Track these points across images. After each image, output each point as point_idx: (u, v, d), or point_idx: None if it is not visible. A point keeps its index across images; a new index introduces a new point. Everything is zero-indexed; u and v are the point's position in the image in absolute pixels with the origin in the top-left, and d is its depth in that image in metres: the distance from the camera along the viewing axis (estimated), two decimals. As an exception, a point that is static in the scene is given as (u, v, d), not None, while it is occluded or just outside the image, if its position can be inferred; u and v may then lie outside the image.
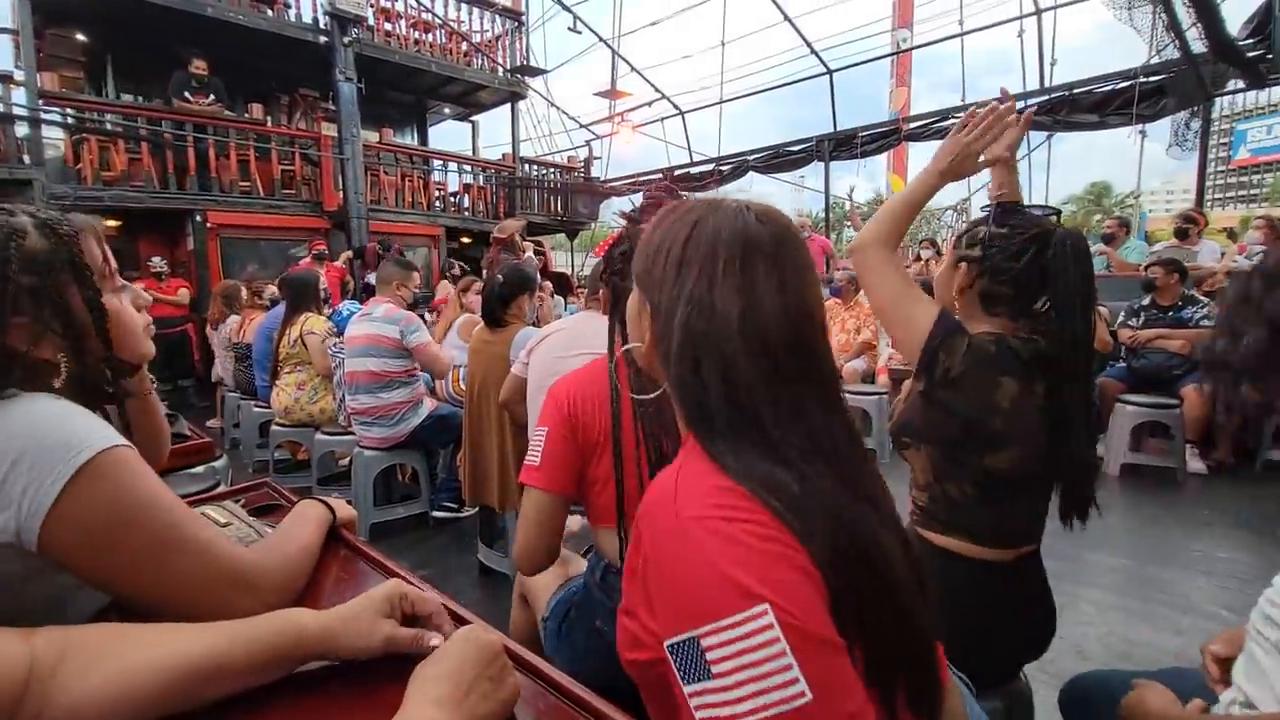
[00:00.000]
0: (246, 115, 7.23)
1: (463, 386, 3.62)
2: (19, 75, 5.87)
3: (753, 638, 0.48)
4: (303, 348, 3.47)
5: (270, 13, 7.27)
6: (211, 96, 6.84)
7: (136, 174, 6.37)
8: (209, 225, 6.66)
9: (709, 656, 0.49)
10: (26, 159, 5.78)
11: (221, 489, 1.55)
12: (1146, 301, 3.95)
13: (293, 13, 7.55)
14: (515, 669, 0.65)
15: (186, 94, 6.71)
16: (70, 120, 6.17)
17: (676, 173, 9.58)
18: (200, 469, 1.87)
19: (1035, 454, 1.10)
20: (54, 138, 6.23)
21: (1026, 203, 1.23)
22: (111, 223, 6.82)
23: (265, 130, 7.31)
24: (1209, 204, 6.74)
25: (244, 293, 4.69)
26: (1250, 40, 4.85)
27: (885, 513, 0.62)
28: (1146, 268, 4.03)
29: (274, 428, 3.65)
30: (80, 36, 7.29)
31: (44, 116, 5.91)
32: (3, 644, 0.51)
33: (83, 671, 0.52)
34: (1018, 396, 1.07)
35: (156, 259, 6.18)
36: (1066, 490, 1.15)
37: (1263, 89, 5.92)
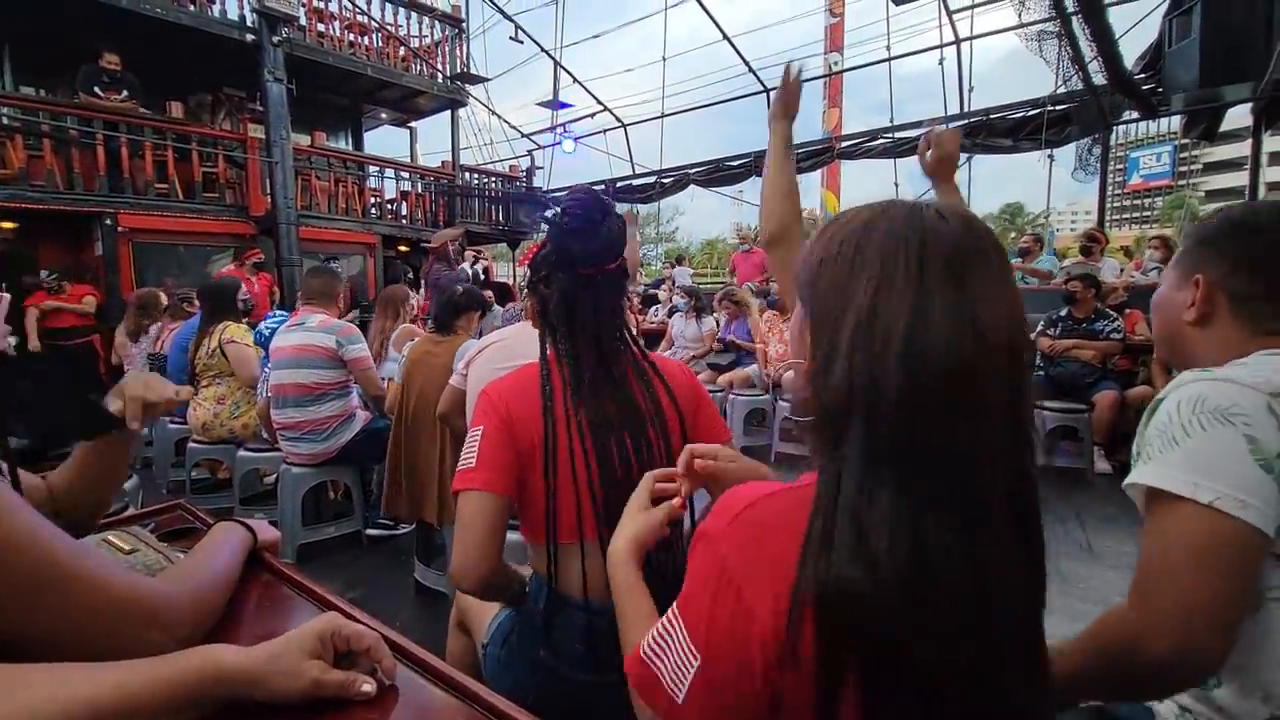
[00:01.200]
0: (164, 113, 6.81)
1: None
2: (-102, 62, 5.34)
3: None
4: (222, 358, 3.27)
5: (193, 7, 6.90)
6: (125, 93, 6.39)
7: (37, 173, 5.88)
8: (120, 229, 6.21)
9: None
10: (-95, 153, 5.26)
11: (130, 512, 1.44)
12: (1064, 313, 4.23)
13: (217, 8, 7.18)
14: (455, 696, 0.63)
15: (96, 89, 6.26)
16: (-41, 113, 5.66)
17: (619, 184, 9.63)
18: (106, 491, 1.73)
19: None
20: (-61, 131, 5.70)
21: None
22: (6, 224, 6.26)
23: (185, 130, 6.90)
24: (1108, 224, 7.33)
25: (164, 300, 4.40)
26: (1143, 75, 5.31)
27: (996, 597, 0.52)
28: (1067, 282, 4.32)
29: (191, 445, 3.42)
30: (-28, 23, 6.72)
31: (-73, 108, 5.40)
32: None
33: None
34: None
35: (44, 273, 5.71)
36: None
37: (1154, 119, 6.48)
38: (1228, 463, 0.71)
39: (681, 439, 1.07)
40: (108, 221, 6.14)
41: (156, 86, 6.97)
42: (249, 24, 6.97)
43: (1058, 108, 6.13)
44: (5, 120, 5.92)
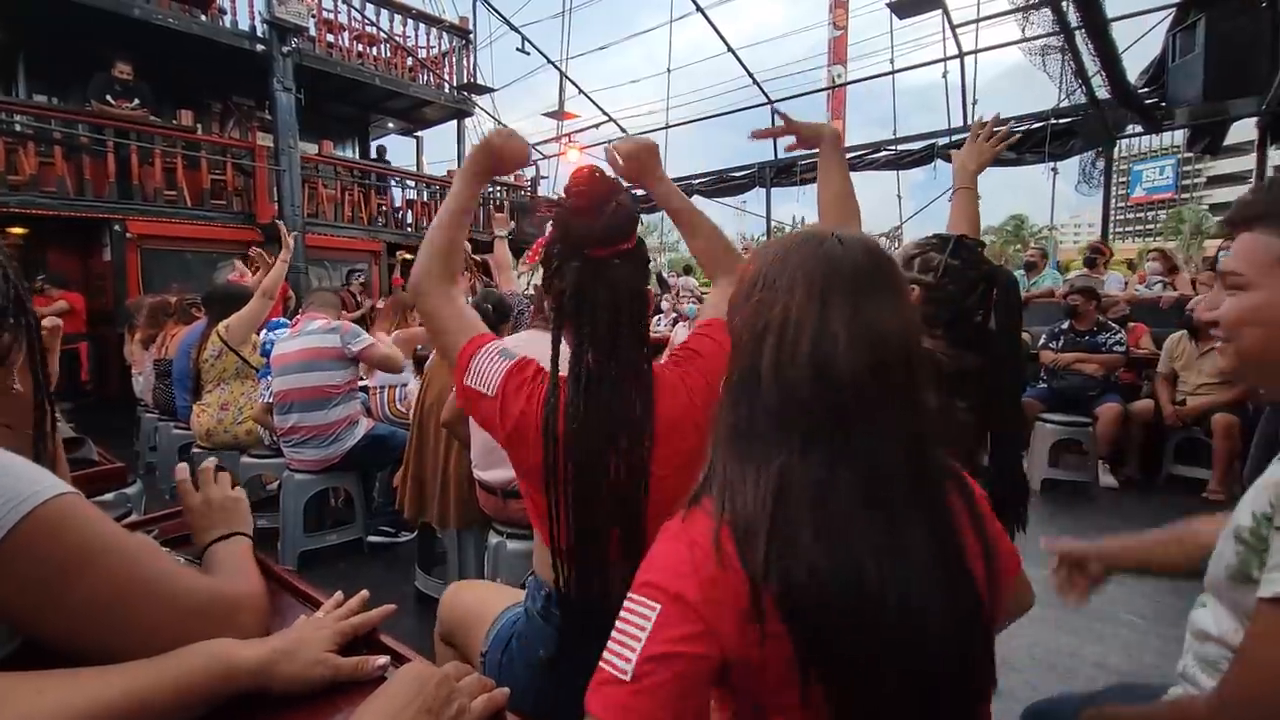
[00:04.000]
0: (174, 122, 6.88)
1: (399, 406, 3.52)
2: (-86, 70, 5.42)
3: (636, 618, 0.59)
4: (227, 354, 3.28)
5: (204, 17, 6.98)
6: (136, 101, 6.47)
7: (48, 179, 5.93)
8: (129, 235, 6.26)
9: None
10: (-81, 159, 5.32)
11: (134, 518, 1.44)
12: (1065, 326, 4.22)
13: (228, 19, 7.27)
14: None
15: (108, 97, 6.33)
16: (-28, 120, 5.72)
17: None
18: (110, 496, 1.74)
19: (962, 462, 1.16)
20: (-48, 138, 5.76)
21: (945, 233, 1.31)
22: (17, 230, 6.32)
23: (194, 138, 6.96)
24: (1111, 237, 7.33)
25: (172, 306, 4.40)
26: (1147, 89, 5.33)
27: (919, 560, 0.60)
28: (1066, 295, 4.32)
29: (194, 451, 3.42)
30: (-12, 32, 6.81)
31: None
32: None
33: None
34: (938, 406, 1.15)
35: (39, 277, 5.75)
36: (1001, 508, 1.20)
37: (1157, 133, 6.51)
38: None
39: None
40: (117, 228, 6.19)
41: (167, 95, 7.05)
42: (259, 34, 7.05)
43: (1061, 121, 6.15)
44: (18, 127, 5.99)
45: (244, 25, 7.24)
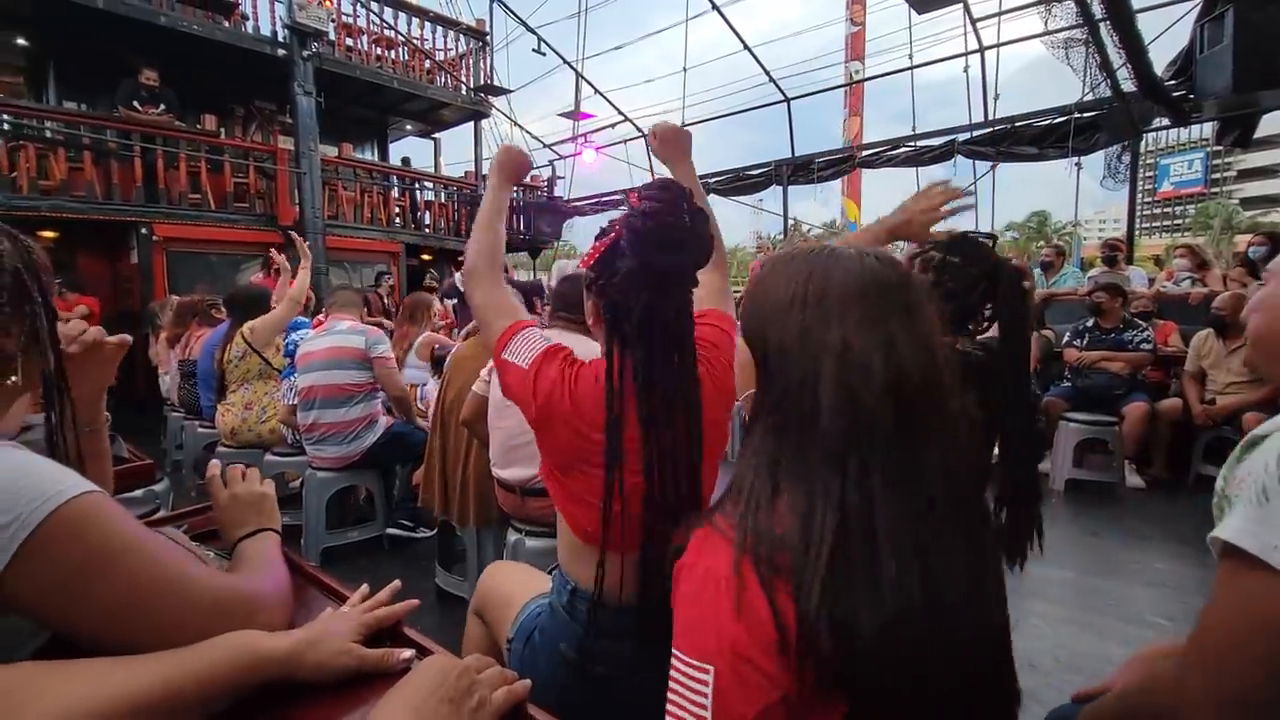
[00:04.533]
0: (199, 126, 7.01)
1: (419, 405, 3.56)
2: (-50, 79, 5.59)
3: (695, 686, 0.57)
4: (251, 355, 3.34)
5: (227, 24, 7.11)
6: (162, 106, 6.60)
7: (77, 184, 6.08)
8: (155, 238, 6.40)
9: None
10: (-45, 165, 5.48)
11: (162, 514, 1.47)
12: (1090, 324, 4.15)
13: (250, 25, 7.40)
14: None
15: (135, 103, 6.47)
16: (6, 127, 5.88)
17: (640, 194, 9.66)
18: (139, 493, 1.78)
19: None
20: (-13, 144, 5.92)
21: (973, 229, 1.30)
22: (48, 234, 6.49)
23: (218, 142, 7.10)
24: (1138, 233, 7.17)
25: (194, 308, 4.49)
26: (1174, 81, 5.21)
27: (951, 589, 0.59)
28: (1092, 292, 4.24)
29: (219, 449, 3.49)
30: (21, 41, 6.99)
31: (-24, 122, 5.62)
32: None
33: (5, 715, 0.49)
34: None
35: (56, 281, 5.90)
36: (1010, 509, 1.17)
37: (1185, 126, 6.35)
38: None
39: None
40: (143, 231, 6.33)
41: (192, 100, 7.19)
42: (281, 39, 7.16)
43: (1085, 115, 6.03)
44: (49, 134, 6.15)
45: (265, 31, 7.35)
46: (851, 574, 0.55)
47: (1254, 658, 0.63)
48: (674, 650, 0.60)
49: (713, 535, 0.62)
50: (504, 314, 1.16)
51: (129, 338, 0.87)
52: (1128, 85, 5.27)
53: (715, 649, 0.56)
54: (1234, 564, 0.65)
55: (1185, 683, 0.69)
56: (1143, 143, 6.71)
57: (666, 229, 0.93)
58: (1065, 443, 3.93)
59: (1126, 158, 6.53)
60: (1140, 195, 7.32)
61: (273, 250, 4.36)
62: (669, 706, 0.58)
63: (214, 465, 0.91)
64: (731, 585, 0.57)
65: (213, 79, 7.59)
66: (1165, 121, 5.99)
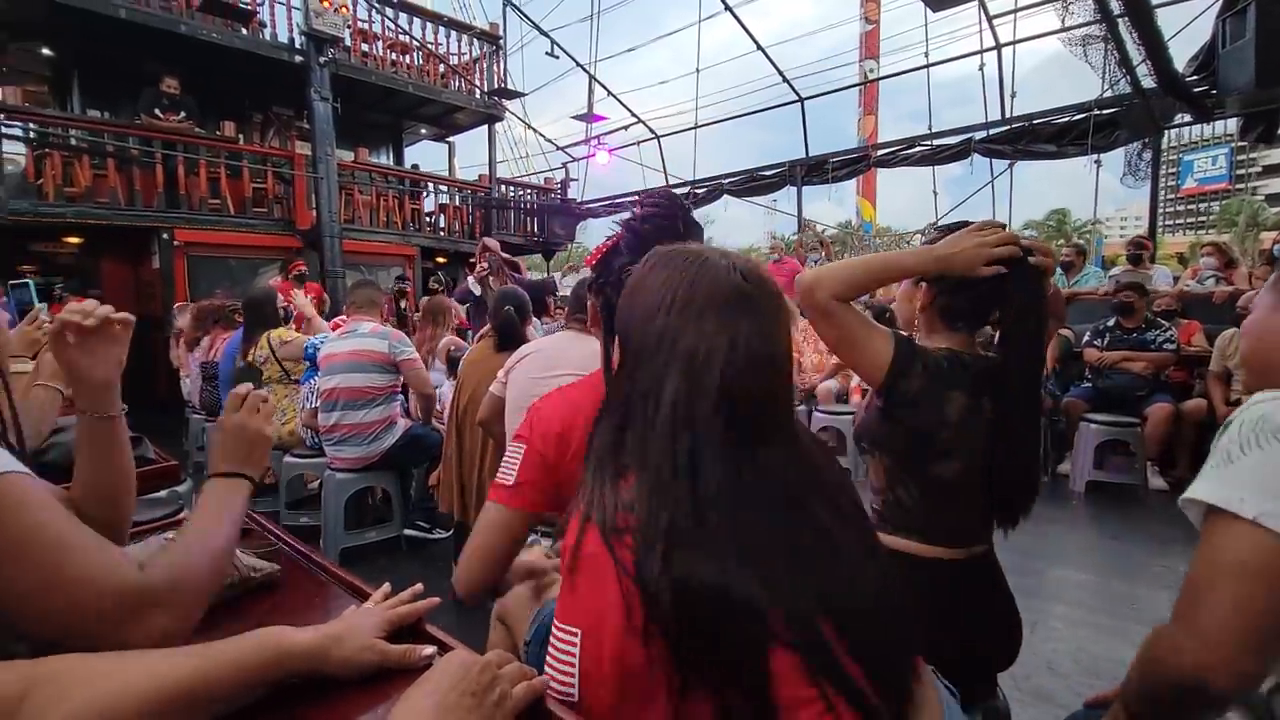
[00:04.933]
0: (218, 133, 7.13)
1: (438, 409, 3.59)
2: (-21, 89, 5.74)
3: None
4: (274, 361, 3.40)
5: (245, 32, 7.23)
6: (182, 114, 6.73)
7: (101, 191, 6.22)
8: (176, 243, 6.52)
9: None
10: (-15, 173, 5.62)
11: (185, 514, 1.50)
12: (1111, 323, 4.08)
13: (268, 32, 7.51)
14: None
15: (157, 111, 6.60)
16: (32, 135, 6.02)
17: (652, 195, 9.67)
18: (164, 493, 1.81)
19: (977, 466, 1.15)
20: (15, 153, 6.07)
21: (951, 223, 1.27)
22: (73, 239, 6.63)
23: (237, 148, 7.22)
24: (1160, 231, 7.04)
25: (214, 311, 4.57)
26: (1195, 76, 5.12)
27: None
28: (1118, 292, 4.17)
29: (241, 450, 3.55)
30: (46, 51, 7.15)
31: (4, 130, 5.76)
32: None
33: (51, 704, 0.50)
34: (964, 410, 1.13)
35: (57, 285, 6.13)
36: (1000, 503, 1.18)
37: (1208, 122, 6.24)
38: (1278, 481, 0.69)
39: None
40: (165, 236, 6.45)
41: (211, 107, 7.32)
42: (298, 46, 7.27)
43: (1104, 112, 5.95)
44: (74, 141, 6.29)
45: (283, 38, 7.47)
46: (687, 538, 0.60)
47: (1233, 601, 0.69)
48: (554, 619, 0.65)
49: (573, 517, 0.67)
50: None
51: (132, 316, 0.88)
52: (1148, 82, 5.18)
53: (578, 613, 0.63)
54: (1209, 522, 0.73)
55: (1176, 638, 0.74)
56: (1164, 139, 6.60)
57: (663, 230, 0.99)
58: (1086, 444, 3.87)
59: (1147, 154, 6.43)
60: (1163, 192, 7.19)
61: (294, 292, 4.48)
62: (546, 669, 0.65)
63: (245, 387, 0.93)
64: (581, 553, 0.63)
65: (231, 86, 7.72)
66: (1187, 118, 5.89)
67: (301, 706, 0.65)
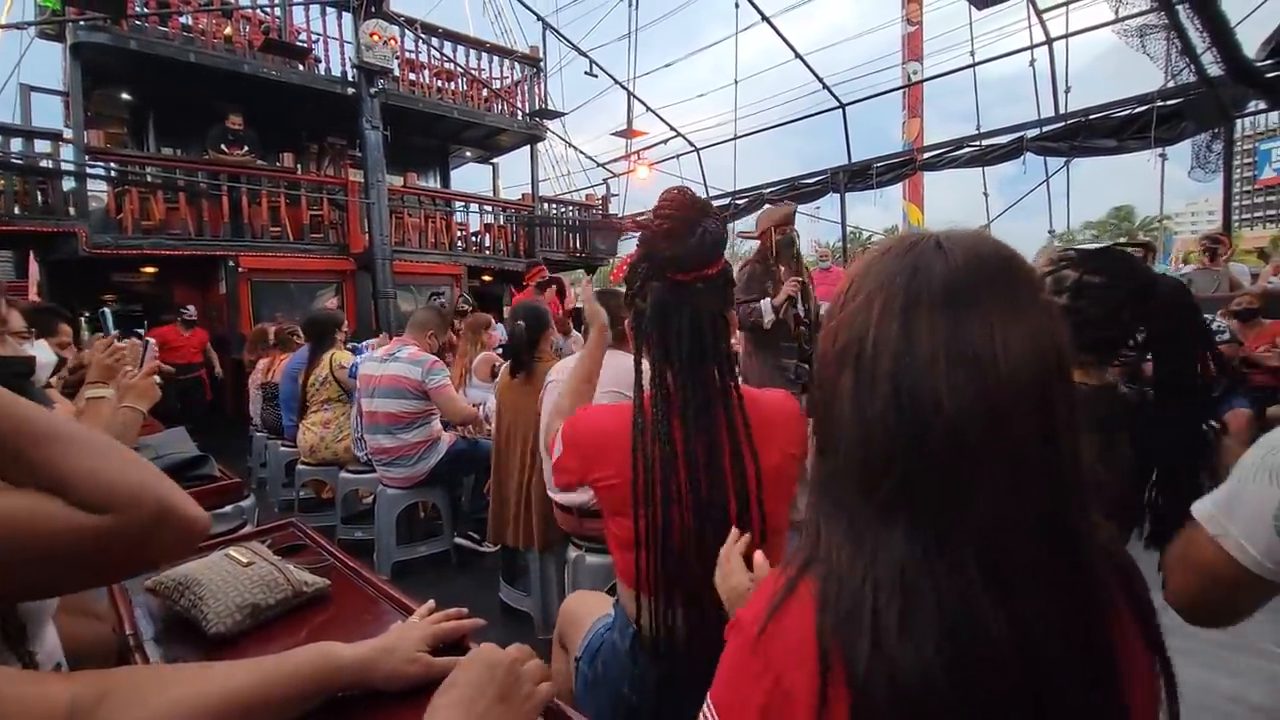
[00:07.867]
0: (278, 164, 7.53)
1: (487, 426, 3.65)
2: (68, 134, 6.22)
3: None
4: (333, 382, 3.54)
5: (301, 67, 7.63)
6: (245, 148, 7.16)
7: (174, 222, 6.64)
8: (241, 270, 6.89)
9: None
10: (72, 211, 6.06)
11: (248, 529, 1.57)
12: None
13: (322, 67, 7.90)
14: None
15: (222, 146, 7.04)
16: (113, 174, 6.49)
17: (693, 207, 9.68)
18: (228, 509, 1.90)
19: (1119, 506, 1.05)
20: (98, 190, 6.54)
21: (1057, 229, 1.20)
22: (149, 269, 7.08)
23: (295, 178, 7.60)
24: (1236, 224, 6.62)
25: (271, 335, 4.81)
26: (1269, 61, 4.82)
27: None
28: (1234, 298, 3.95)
29: (299, 466, 3.70)
30: (125, 96, 7.70)
31: (89, 171, 6.22)
32: (44, 686, 0.52)
33: (123, 709, 0.53)
34: (1103, 449, 1.03)
35: (191, 307, 6.53)
36: (1155, 536, 1.06)
37: (1284, 108, 5.85)
38: (1249, 517, 0.71)
39: (758, 494, 0.96)
40: (230, 263, 6.83)
41: (271, 140, 7.74)
42: (349, 79, 7.62)
43: (1168, 103, 5.65)
44: (149, 178, 6.75)
45: (335, 71, 7.85)
46: (881, 649, 0.46)
47: (1194, 592, 0.82)
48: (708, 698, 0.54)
49: (790, 605, 0.51)
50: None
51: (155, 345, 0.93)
52: (1214, 70, 4.90)
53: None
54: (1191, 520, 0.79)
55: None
56: (1238, 128, 6.22)
57: (668, 220, 0.99)
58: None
59: (1217, 145, 6.06)
60: (1238, 184, 6.77)
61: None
62: None
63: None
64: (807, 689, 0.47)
65: (289, 119, 8.14)
66: (1261, 105, 5.54)
67: (349, 717, 0.67)
